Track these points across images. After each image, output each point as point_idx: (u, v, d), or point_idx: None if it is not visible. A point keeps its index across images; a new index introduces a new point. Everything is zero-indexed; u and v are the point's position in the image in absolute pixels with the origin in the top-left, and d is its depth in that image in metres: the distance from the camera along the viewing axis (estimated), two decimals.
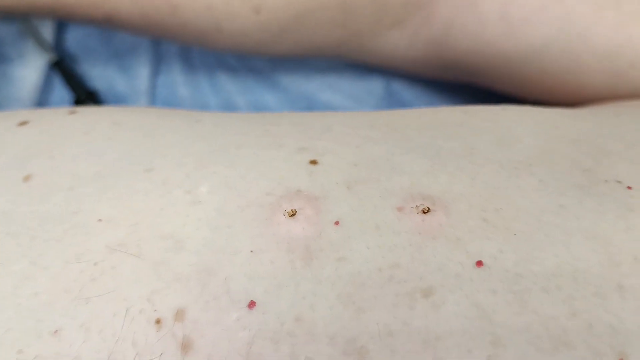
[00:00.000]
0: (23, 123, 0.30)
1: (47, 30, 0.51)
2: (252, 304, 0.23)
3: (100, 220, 0.25)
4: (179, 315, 0.22)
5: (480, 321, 0.22)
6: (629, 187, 0.25)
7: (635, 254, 0.23)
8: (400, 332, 0.22)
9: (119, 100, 0.52)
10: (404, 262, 0.23)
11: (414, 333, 0.22)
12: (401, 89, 0.52)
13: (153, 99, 0.52)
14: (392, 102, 0.52)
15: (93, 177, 0.27)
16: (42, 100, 0.51)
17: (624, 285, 0.23)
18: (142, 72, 0.52)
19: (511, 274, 0.23)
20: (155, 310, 0.23)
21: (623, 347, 0.21)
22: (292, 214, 0.24)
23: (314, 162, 0.27)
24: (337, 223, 0.24)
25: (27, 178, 0.27)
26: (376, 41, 0.44)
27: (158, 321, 0.22)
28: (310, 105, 0.52)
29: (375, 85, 0.52)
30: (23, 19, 0.50)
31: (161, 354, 0.22)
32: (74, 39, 0.52)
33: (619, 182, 0.26)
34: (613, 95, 0.39)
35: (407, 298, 0.22)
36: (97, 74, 0.52)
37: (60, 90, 0.51)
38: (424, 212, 0.24)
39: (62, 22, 0.52)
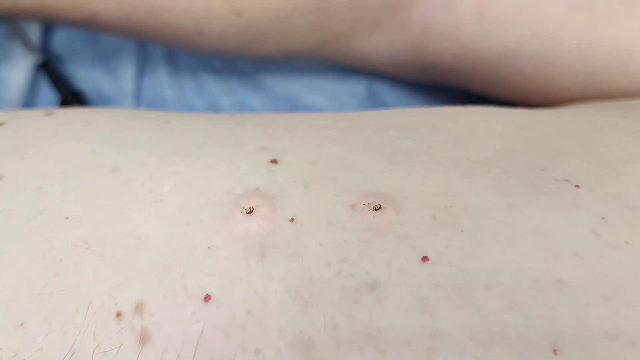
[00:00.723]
0: None
1: (33, 32, 0.52)
2: (207, 298, 0.23)
3: (67, 218, 0.26)
4: (138, 308, 0.23)
5: (421, 315, 0.23)
6: (577, 186, 0.26)
7: (576, 250, 0.24)
8: (345, 325, 0.23)
9: (105, 101, 0.52)
10: (352, 257, 0.24)
11: (358, 326, 0.23)
12: (383, 90, 0.52)
13: (138, 100, 0.53)
14: (375, 104, 0.53)
15: (61, 177, 0.28)
16: (28, 101, 0.52)
17: (562, 280, 0.23)
18: (127, 74, 0.52)
19: (455, 269, 0.24)
20: (115, 304, 0.23)
21: (557, 339, 0.22)
22: (250, 212, 0.25)
23: (274, 162, 0.28)
24: (292, 220, 0.25)
25: None
26: (356, 43, 0.45)
27: (118, 314, 0.23)
28: (293, 106, 0.52)
29: (357, 87, 0.53)
30: (9, 21, 0.51)
31: (120, 345, 0.23)
32: (60, 40, 0.53)
33: (568, 180, 0.26)
34: (586, 96, 0.40)
35: (353, 292, 0.23)
36: (83, 76, 0.53)
37: (47, 91, 0.52)
38: (375, 209, 0.25)
39: (49, 24, 0.53)
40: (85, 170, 0.28)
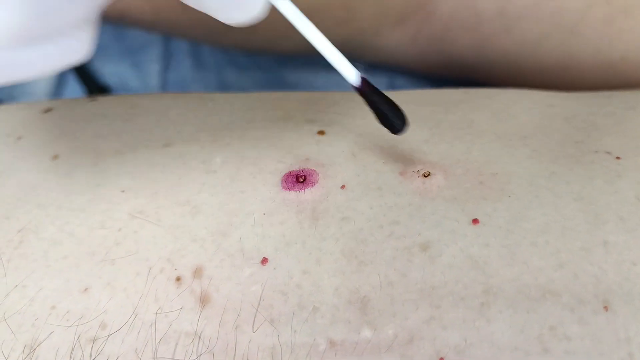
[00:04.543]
0: (47, 110, 0.32)
1: None
2: (264, 261, 0.24)
3: (123, 191, 0.27)
4: (197, 272, 0.24)
5: (473, 272, 0.24)
6: (618, 157, 0.27)
7: (620, 214, 0.25)
8: (399, 283, 0.24)
9: None
10: (403, 219, 0.25)
11: (411, 283, 0.24)
12: (404, 85, 0.53)
13: None
14: None
15: (114, 154, 0.29)
16: (56, 95, 0.53)
17: (608, 241, 0.24)
18: (153, 69, 0.54)
19: (503, 230, 0.25)
20: (175, 269, 0.25)
21: (607, 296, 0.23)
22: (301, 180, 0.26)
23: (321, 133, 0.29)
24: (343, 187, 0.26)
25: (54, 157, 0.29)
26: (379, 39, 0.46)
27: (178, 279, 0.24)
28: None
29: (379, 82, 0.53)
30: None
31: (181, 307, 0.24)
32: None
33: (608, 152, 0.28)
34: (606, 88, 0.41)
35: (406, 252, 0.24)
36: (109, 71, 0.54)
37: (74, 86, 0.53)
38: (425, 176, 0.26)
39: None
40: (137, 146, 0.29)
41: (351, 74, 0.26)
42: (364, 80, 0.26)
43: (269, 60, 0.54)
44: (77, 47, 0.22)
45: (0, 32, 0.19)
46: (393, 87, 0.53)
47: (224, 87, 0.53)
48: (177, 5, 0.42)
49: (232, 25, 0.23)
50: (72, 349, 0.23)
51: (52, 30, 0.21)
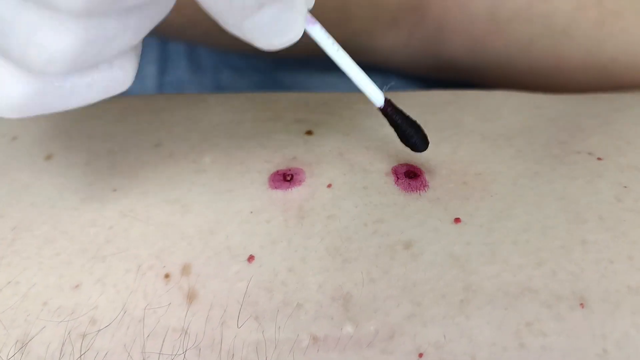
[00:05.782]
0: None
1: None
2: (251, 258, 0.25)
3: (114, 190, 0.28)
4: (185, 270, 0.25)
5: (454, 269, 0.24)
6: (599, 158, 0.28)
7: (600, 214, 0.26)
8: (381, 280, 0.24)
9: None
10: (387, 218, 0.26)
11: (393, 280, 0.24)
12: (399, 87, 0.54)
13: None
14: None
15: (106, 154, 0.30)
16: None
17: (587, 240, 0.25)
18: (149, 71, 0.54)
19: (485, 229, 0.25)
20: (163, 267, 0.25)
21: (584, 293, 0.24)
22: (288, 179, 0.27)
23: (309, 133, 0.29)
24: (329, 186, 0.27)
25: (48, 157, 0.30)
26: (373, 41, 0.46)
27: (166, 276, 0.25)
28: None
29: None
30: None
31: (169, 304, 0.24)
32: None
33: (591, 153, 0.28)
34: (597, 89, 0.41)
35: (389, 249, 0.25)
36: None
37: None
38: (410, 177, 0.27)
39: None
40: (129, 147, 0.30)
41: (376, 95, 0.26)
42: (388, 101, 0.26)
43: (264, 62, 0.54)
44: (121, 77, 0.22)
45: (57, 58, 0.19)
46: (387, 89, 0.53)
47: (219, 88, 0.54)
48: (173, 7, 0.42)
49: (268, 50, 0.23)
50: (63, 344, 0.24)
51: (102, 58, 0.21)
